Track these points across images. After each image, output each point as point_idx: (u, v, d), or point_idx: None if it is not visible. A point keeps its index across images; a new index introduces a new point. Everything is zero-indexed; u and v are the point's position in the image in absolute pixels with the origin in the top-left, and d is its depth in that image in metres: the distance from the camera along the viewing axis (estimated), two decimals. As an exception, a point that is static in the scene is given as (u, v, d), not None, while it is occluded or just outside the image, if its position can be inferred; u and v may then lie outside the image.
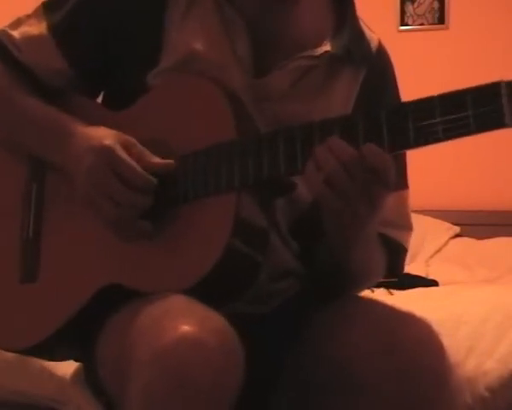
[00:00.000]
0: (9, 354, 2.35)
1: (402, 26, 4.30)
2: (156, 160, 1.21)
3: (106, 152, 1.20)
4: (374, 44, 1.37)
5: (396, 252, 1.36)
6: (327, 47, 1.30)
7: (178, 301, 1.11)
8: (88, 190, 1.21)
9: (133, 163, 1.19)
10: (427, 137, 1.06)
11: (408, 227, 1.38)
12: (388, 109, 1.11)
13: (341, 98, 1.32)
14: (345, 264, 1.27)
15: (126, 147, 1.21)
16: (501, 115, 1.01)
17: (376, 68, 1.36)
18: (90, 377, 1.34)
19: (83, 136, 1.25)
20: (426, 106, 1.07)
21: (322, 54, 1.29)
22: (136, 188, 1.19)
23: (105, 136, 1.22)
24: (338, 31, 1.33)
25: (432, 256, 3.79)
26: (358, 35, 1.34)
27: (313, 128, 1.14)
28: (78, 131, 1.26)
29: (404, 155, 1.35)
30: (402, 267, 1.40)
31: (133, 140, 1.22)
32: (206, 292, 1.13)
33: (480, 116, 1.03)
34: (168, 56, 1.27)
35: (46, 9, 1.35)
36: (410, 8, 4.30)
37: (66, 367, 1.77)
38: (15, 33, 1.36)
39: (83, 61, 1.33)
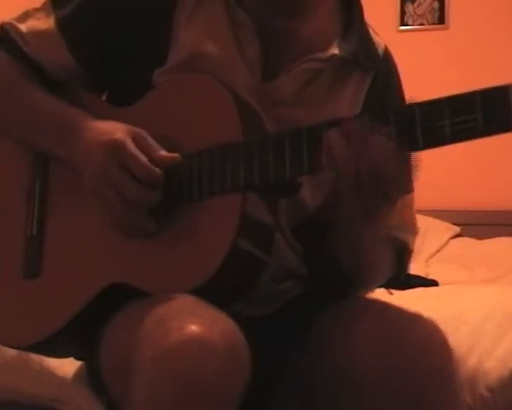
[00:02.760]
0: (9, 354, 2.36)
1: (402, 26, 4.31)
2: (163, 153, 1.21)
3: (116, 147, 1.20)
4: (381, 49, 1.37)
5: (402, 253, 1.36)
6: (334, 50, 1.29)
7: (185, 301, 1.11)
8: (96, 184, 1.21)
9: (142, 157, 1.19)
10: (435, 139, 1.06)
11: (413, 231, 1.38)
12: (396, 112, 1.10)
13: (349, 103, 1.32)
14: (349, 266, 1.27)
15: (136, 139, 1.20)
16: (509, 119, 1.01)
17: (383, 72, 1.36)
18: (91, 376, 1.34)
19: (92, 130, 1.24)
20: (434, 108, 1.06)
21: (329, 57, 1.29)
22: (143, 182, 1.19)
23: (115, 130, 1.22)
24: (345, 35, 1.32)
25: (432, 256, 3.78)
26: (366, 40, 1.34)
27: (320, 128, 1.13)
28: (88, 125, 1.26)
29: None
30: (407, 269, 1.39)
31: (144, 132, 1.21)
32: (210, 291, 1.13)
33: (488, 119, 1.02)
34: (175, 55, 1.27)
35: (55, 3, 1.35)
36: (410, 8, 4.30)
37: (67, 367, 1.77)
38: (23, 27, 1.35)
39: (88, 56, 1.33)
